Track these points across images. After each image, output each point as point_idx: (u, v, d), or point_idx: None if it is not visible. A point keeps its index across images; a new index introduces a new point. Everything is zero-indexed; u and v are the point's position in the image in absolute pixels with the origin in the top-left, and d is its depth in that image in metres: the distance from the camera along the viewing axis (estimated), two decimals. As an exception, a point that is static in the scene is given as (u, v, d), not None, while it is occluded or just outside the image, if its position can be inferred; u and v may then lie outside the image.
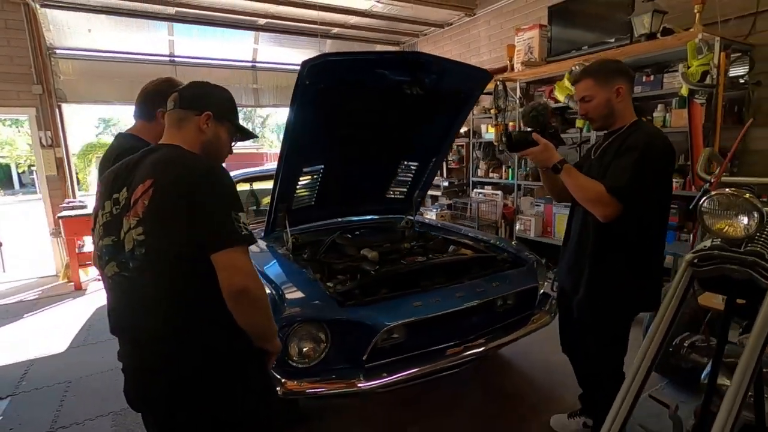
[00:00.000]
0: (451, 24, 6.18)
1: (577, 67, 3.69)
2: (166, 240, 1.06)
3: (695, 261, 1.35)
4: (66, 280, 5.29)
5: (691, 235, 3.43)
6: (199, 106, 1.19)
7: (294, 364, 1.78)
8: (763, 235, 1.24)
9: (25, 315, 4.23)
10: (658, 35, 3.25)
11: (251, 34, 6.05)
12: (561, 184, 1.74)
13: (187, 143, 1.18)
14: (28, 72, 5.08)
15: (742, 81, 3.28)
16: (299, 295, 1.93)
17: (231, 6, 5.14)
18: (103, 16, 5.09)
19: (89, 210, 4.98)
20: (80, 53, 5.43)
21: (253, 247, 2.70)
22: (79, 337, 3.64)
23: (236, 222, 1.07)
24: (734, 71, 3.20)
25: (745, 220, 1.19)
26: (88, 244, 5.41)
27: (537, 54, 4.30)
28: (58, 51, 5.29)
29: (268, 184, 3.82)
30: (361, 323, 1.79)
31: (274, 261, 2.35)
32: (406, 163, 2.92)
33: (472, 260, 2.36)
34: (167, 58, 5.91)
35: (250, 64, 6.46)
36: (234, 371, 1.16)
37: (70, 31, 5.22)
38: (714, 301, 2.15)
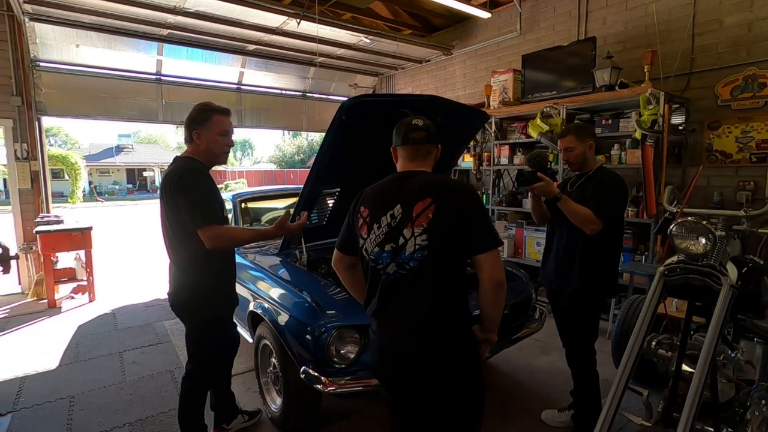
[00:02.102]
0: (429, 61, 6.73)
1: (547, 108, 4.26)
2: (445, 244, 1.34)
3: (666, 272, 1.76)
4: (35, 298, 5.07)
5: (643, 257, 4.00)
6: (437, 141, 1.53)
7: (334, 365, 2.01)
8: (715, 252, 1.66)
9: (-1, 334, 4.07)
10: (616, 87, 3.86)
11: (239, 57, 6.26)
12: (545, 211, 2.36)
13: (429, 168, 1.51)
14: (8, 83, 4.99)
15: (680, 128, 3.94)
16: (335, 303, 2.17)
17: (224, 32, 5.36)
18: (93, 33, 5.13)
19: (66, 225, 4.90)
20: (64, 67, 5.38)
21: (271, 260, 2.90)
22: (68, 354, 3.57)
23: (494, 229, 1.39)
24: (674, 120, 3.86)
25: (703, 240, 1.61)
26: (62, 260, 5.25)
27: (511, 94, 4.85)
28: (41, 64, 5.23)
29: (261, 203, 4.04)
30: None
31: (300, 274, 2.57)
32: (408, 188, 3.25)
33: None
34: (153, 77, 5.96)
35: (235, 86, 6.63)
36: (468, 361, 1.42)
37: (57, 45, 5.19)
38: (669, 309, 2.63)
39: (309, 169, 2.70)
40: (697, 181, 1.90)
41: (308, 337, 2.06)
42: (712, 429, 1.81)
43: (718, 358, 1.87)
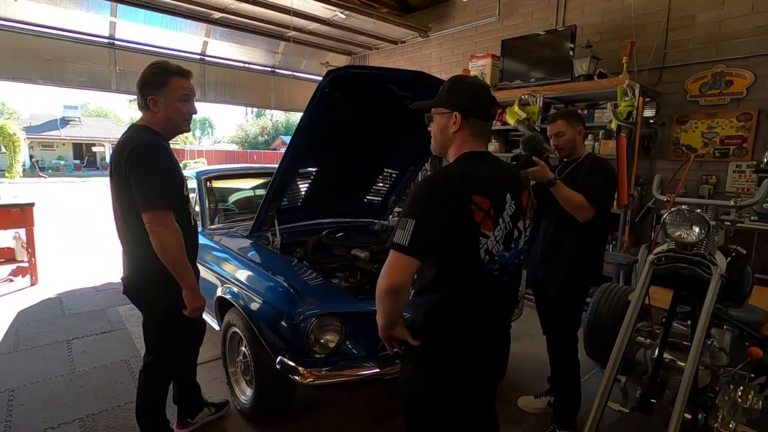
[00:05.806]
0: (405, 42, 6.56)
1: (525, 96, 4.23)
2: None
3: (655, 261, 1.74)
4: (-34, 281, 4.57)
5: (610, 246, 4.10)
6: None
7: (313, 355, 1.87)
8: (705, 242, 1.65)
9: None
10: (595, 77, 3.87)
11: (203, 26, 5.83)
12: (532, 199, 2.20)
13: None
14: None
15: (651, 121, 4.03)
16: (313, 289, 2.03)
17: (188, -5, 4.94)
18: (34, -14, 4.59)
19: (4, 201, 4.43)
20: (1, 23, 4.78)
21: (240, 242, 2.72)
22: (6, 343, 3.22)
23: None
24: (645, 113, 3.93)
25: (697, 229, 1.60)
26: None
27: (489, 80, 4.78)
28: (-29, 17, 4.63)
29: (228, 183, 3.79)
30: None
31: (272, 257, 2.40)
32: (388, 170, 3.12)
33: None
34: (106, 40, 5.43)
35: (198, 57, 6.19)
36: None
37: (-10, -3, 4.60)
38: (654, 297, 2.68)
39: (274, 151, 2.51)
40: (689, 171, 1.89)
41: (284, 324, 1.92)
42: (689, 415, 1.84)
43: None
